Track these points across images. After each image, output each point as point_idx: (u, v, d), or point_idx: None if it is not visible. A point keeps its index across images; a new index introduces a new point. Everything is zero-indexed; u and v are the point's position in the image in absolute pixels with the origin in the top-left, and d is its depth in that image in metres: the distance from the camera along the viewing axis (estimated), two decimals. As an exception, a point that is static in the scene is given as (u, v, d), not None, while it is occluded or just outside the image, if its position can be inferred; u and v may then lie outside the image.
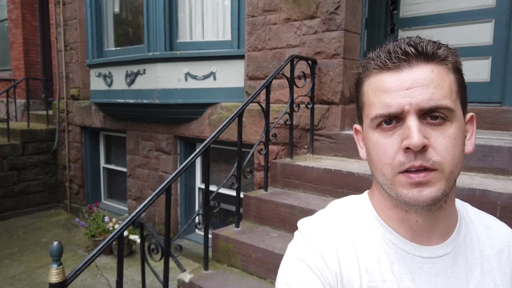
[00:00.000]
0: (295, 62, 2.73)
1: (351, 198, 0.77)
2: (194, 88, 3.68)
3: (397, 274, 0.65)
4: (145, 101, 3.90)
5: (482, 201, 1.77)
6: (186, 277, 2.16)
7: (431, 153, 0.58)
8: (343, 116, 2.87)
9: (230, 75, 3.59)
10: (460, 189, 1.84)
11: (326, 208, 0.76)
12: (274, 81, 2.78)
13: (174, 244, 2.17)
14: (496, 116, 2.59)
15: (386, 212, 0.69)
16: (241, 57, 3.48)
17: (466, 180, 1.99)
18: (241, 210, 2.57)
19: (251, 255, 2.18)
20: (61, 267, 1.48)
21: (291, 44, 3.06)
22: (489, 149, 2.12)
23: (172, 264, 2.14)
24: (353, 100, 2.97)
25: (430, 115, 0.59)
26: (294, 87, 2.75)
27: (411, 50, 0.60)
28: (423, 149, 0.58)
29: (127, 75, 4.10)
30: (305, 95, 2.87)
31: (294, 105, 2.79)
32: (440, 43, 0.63)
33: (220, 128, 2.23)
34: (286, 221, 2.33)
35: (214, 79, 3.63)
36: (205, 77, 3.65)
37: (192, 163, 2.16)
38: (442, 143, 0.59)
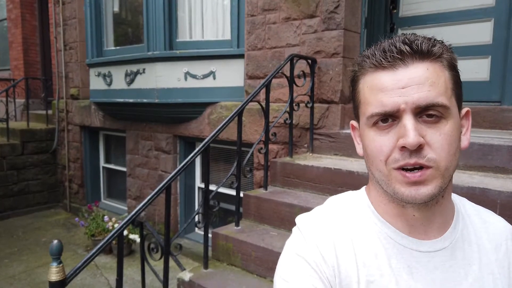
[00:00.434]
0: (294, 61, 2.73)
1: (349, 194, 0.77)
2: (194, 87, 3.68)
3: (395, 268, 0.65)
4: (145, 100, 3.90)
5: (482, 199, 1.77)
6: (186, 276, 2.16)
7: (427, 150, 0.59)
8: (342, 115, 2.87)
9: (230, 75, 3.59)
10: (460, 187, 1.85)
11: (324, 204, 0.77)
12: (273, 80, 2.78)
13: (174, 243, 2.17)
14: (496, 115, 2.60)
15: (383, 207, 0.69)
16: (240, 56, 3.48)
17: (466, 178, 2.00)
18: (241, 209, 2.57)
19: (251, 254, 2.18)
20: (61, 265, 1.48)
21: (290, 43, 3.06)
22: (489, 148, 2.12)
23: (172, 263, 2.14)
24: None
25: (426, 113, 0.60)
26: (294, 86, 2.75)
27: (406, 48, 0.60)
28: (419, 147, 0.58)
29: (126, 75, 4.10)
30: (304, 94, 2.87)
31: (294, 104, 2.79)
32: (435, 40, 0.63)
33: (219, 127, 2.23)
34: (286, 220, 2.33)
35: (214, 78, 3.63)
36: (205, 76, 3.65)
37: (192, 163, 2.16)
38: (438, 140, 0.59)
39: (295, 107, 2.81)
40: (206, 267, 2.25)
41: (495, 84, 2.77)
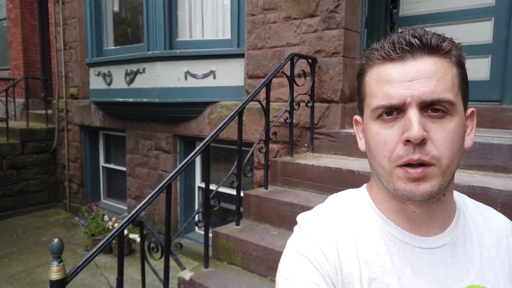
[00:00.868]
0: (295, 60, 2.73)
1: (350, 192, 0.77)
2: (194, 87, 3.68)
3: (397, 265, 0.65)
4: (145, 100, 3.90)
5: (483, 198, 1.76)
6: (187, 275, 2.16)
7: (430, 146, 0.59)
8: (343, 115, 2.87)
9: (230, 74, 3.59)
10: (461, 186, 1.85)
11: (325, 203, 0.77)
12: (274, 80, 2.78)
13: (174, 243, 2.17)
14: (496, 114, 2.60)
15: (384, 204, 0.69)
16: (241, 55, 3.48)
17: (466, 177, 2.00)
18: (241, 209, 2.57)
19: (251, 253, 2.18)
20: (61, 264, 1.48)
21: (291, 42, 3.06)
22: (489, 147, 2.12)
23: (172, 263, 2.14)
24: (354, 99, 2.97)
25: (431, 107, 0.59)
26: (294, 85, 2.75)
27: (415, 41, 0.60)
28: (422, 142, 0.58)
29: (126, 74, 4.10)
30: (305, 94, 2.87)
31: (294, 104, 2.79)
32: (444, 36, 0.63)
33: (220, 126, 2.22)
34: (287, 219, 2.33)
35: (214, 77, 3.63)
36: (205, 75, 3.65)
37: (192, 162, 2.16)
38: (442, 136, 0.59)
39: (296, 107, 2.81)
40: (206, 266, 2.25)
41: (495, 83, 2.77)
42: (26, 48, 7.27)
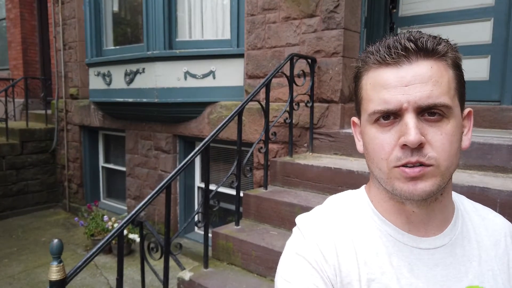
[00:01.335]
0: (294, 60, 2.73)
1: (349, 193, 0.77)
2: (194, 87, 3.68)
3: (396, 266, 0.65)
4: (144, 100, 3.90)
5: (482, 198, 1.77)
6: (186, 275, 2.16)
7: (428, 149, 0.59)
8: (342, 115, 2.87)
9: (230, 74, 3.59)
10: (460, 186, 1.85)
11: (324, 203, 0.77)
12: (273, 80, 2.78)
13: (173, 243, 2.17)
14: (495, 114, 2.60)
15: (383, 204, 0.69)
16: (240, 55, 3.48)
17: (466, 178, 2.00)
18: (241, 209, 2.57)
19: (251, 253, 2.18)
20: (61, 264, 1.48)
21: (290, 42, 3.06)
22: (489, 147, 2.13)
23: (171, 263, 2.14)
24: (353, 99, 2.97)
25: (428, 111, 0.60)
26: (294, 85, 2.75)
27: (411, 45, 0.60)
28: (420, 146, 0.58)
29: (126, 74, 4.10)
30: (304, 94, 2.87)
31: (294, 104, 2.79)
32: (440, 38, 0.63)
33: (220, 126, 2.22)
34: (286, 219, 2.33)
35: (214, 77, 3.63)
36: (205, 75, 3.65)
37: (192, 162, 2.16)
38: (439, 139, 0.59)
39: (295, 107, 2.81)
40: (206, 266, 2.25)
41: (494, 83, 2.77)
42: (26, 48, 7.26)
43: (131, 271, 3.66)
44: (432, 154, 0.59)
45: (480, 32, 2.80)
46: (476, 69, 2.83)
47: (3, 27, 7.86)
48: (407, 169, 0.59)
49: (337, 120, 2.86)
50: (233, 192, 2.47)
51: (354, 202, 0.74)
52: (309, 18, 2.94)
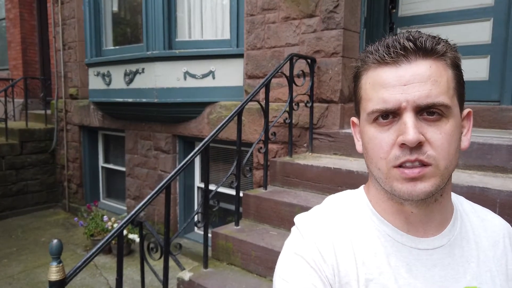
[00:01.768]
0: (294, 60, 2.73)
1: (347, 193, 0.77)
2: (193, 87, 3.68)
3: (394, 266, 0.65)
4: (144, 100, 3.90)
5: (482, 198, 1.77)
6: (186, 275, 2.16)
7: (427, 147, 0.59)
8: (342, 115, 2.87)
9: (229, 74, 3.59)
10: (460, 186, 1.85)
11: (323, 203, 0.77)
12: (273, 80, 2.78)
13: (173, 243, 2.16)
14: (495, 114, 2.60)
15: (382, 205, 0.69)
16: (240, 56, 3.48)
17: (466, 178, 2.00)
18: (241, 209, 2.57)
19: (250, 253, 2.18)
20: (61, 265, 1.48)
21: (290, 42, 3.06)
22: (488, 147, 2.13)
23: (171, 263, 2.14)
24: (353, 99, 2.97)
25: (427, 111, 0.60)
26: (293, 85, 2.75)
27: (410, 45, 0.60)
28: (419, 144, 0.58)
29: (125, 74, 4.10)
30: (304, 94, 2.87)
31: (294, 104, 2.79)
32: (439, 38, 0.63)
33: (219, 126, 2.22)
34: (286, 219, 2.33)
35: (213, 78, 3.63)
36: (204, 76, 3.65)
37: (191, 162, 2.16)
38: (438, 139, 0.59)
39: (295, 107, 2.81)
40: (206, 266, 2.25)
41: (494, 83, 2.77)
42: (25, 48, 7.25)
43: (131, 271, 3.66)
44: (431, 152, 0.59)
45: (480, 32, 2.80)
46: (476, 69, 2.83)
47: (2, 27, 7.85)
48: (406, 170, 0.59)
49: (336, 120, 2.86)
50: (232, 192, 2.47)
51: (352, 202, 0.74)
52: (308, 18, 2.94)
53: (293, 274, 0.66)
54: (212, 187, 2.31)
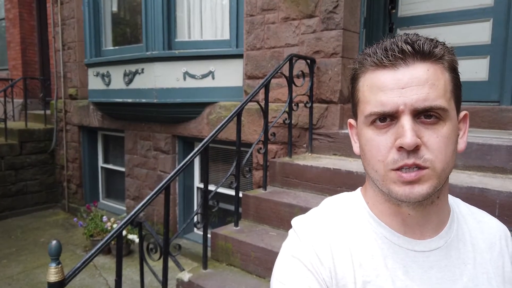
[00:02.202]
0: (293, 61, 2.73)
1: (344, 195, 0.78)
2: (193, 87, 3.68)
3: (390, 268, 0.66)
4: (144, 100, 3.89)
5: (481, 199, 1.77)
6: (185, 276, 2.15)
7: (424, 151, 0.59)
8: (341, 115, 2.87)
9: (229, 74, 3.58)
10: (459, 187, 1.85)
11: (320, 206, 0.77)
12: (272, 80, 2.78)
13: (173, 243, 2.16)
14: (495, 115, 2.60)
15: (379, 206, 0.69)
16: (239, 56, 3.48)
17: (465, 178, 2.00)
18: (240, 210, 2.57)
19: (250, 254, 2.18)
20: (59, 266, 1.48)
21: (289, 43, 3.06)
22: (488, 148, 2.12)
23: (170, 263, 2.14)
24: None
25: (424, 114, 0.60)
26: (293, 86, 2.75)
27: (407, 48, 0.60)
28: (416, 148, 0.59)
29: (125, 75, 4.09)
30: (304, 94, 2.87)
31: (293, 104, 2.79)
32: (437, 41, 0.63)
33: (219, 127, 2.22)
34: (285, 220, 2.33)
35: (213, 78, 3.62)
36: (204, 76, 3.64)
37: (191, 163, 2.15)
38: (435, 142, 0.60)
39: (294, 107, 2.80)
40: (205, 267, 2.25)
41: (494, 84, 2.77)
42: (25, 48, 7.25)
43: (130, 271, 3.65)
44: (428, 156, 0.59)
45: (480, 32, 2.80)
46: (476, 69, 2.83)
47: (2, 27, 7.85)
48: (403, 174, 0.60)
49: (336, 120, 2.86)
50: (232, 192, 2.47)
51: (350, 204, 0.74)
52: (308, 19, 2.94)
53: (290, 277, 0.66)
54: (211, 187, 2.30)
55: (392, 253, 0.66)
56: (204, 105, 3.69)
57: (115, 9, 4.61)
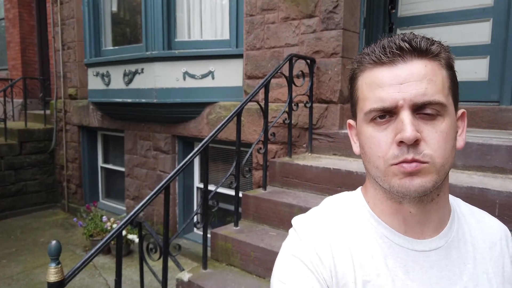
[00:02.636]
0: (293, 61, 2.72)
1: (344, 194, 0.78)
2: (193, 87, 3.68)
3: (391, 268, 0.66)
4: (143, 100, 3.89)
5: (481, 199, 1.77)
6: (185, 276, 2.15)
7: (423, 146, 0.60)
8: (341, 115, 2.87)
9: (229, 74, 3.58)
10: (459, 187, 1.85)
11: (320, 205, 0.77)
12: (272, 80, 2.78)
13: (172, 243, 2.16)
14: (494, 115, 2.60)
15: (379, 205, 0.69)
16: (239, 56, 3.48)
17: (465, 178, 2.00)
18: (240, 209, 2.57)
19: (250, 254, 2.18)
20: (59, 266, 1.47)
21: (289, 43, 3.06)
22: (488, 148, 2.12)
23: (170, 263, 2.14)
24: (352, 99, 2.97)
25: (423, 109, 0.60)
26: (293, 86, 2.75)
27: (405, 45, 0.61)
28: (416, 142, 0.59)
29: (125, 74, 4.09)
30: (303, 94, 2.87)
31: (293, 104, 2.79)
32: (433, 40, 0.64)
33: (219, 127, 2.22)
34: (285, 220, 2.33)
35: (213, 78, 3.62)
36: (204, 76, 3.64)
37: (190, 163, 2.15)
38: (434, 137, 0.60)
39: (294, 107, 2.80)
40: (205, 267, 2.24)
41: (494, 84, 2.77)
42: (24, 48, 7.25)
43: (130, 271, 3.65)
44: (427, 151, 0.59)
45: (479, 32, 2.80)
46: (475, 69, 2.83)
47: (1, 27, 7.85)
48: (404, 164, 0.60)
49: (336, 120, 2.86)
50: (232, 192, 2.47)
51: (350, 203, 0.74)
52: (308, 19, 2.94)
53: (290, 276, 0.66)
54: (211, 187, 2.30)
55: (393, 252, 0.66)
56: (204, 105, 3.69)
57: (114, 9, 4.61)
